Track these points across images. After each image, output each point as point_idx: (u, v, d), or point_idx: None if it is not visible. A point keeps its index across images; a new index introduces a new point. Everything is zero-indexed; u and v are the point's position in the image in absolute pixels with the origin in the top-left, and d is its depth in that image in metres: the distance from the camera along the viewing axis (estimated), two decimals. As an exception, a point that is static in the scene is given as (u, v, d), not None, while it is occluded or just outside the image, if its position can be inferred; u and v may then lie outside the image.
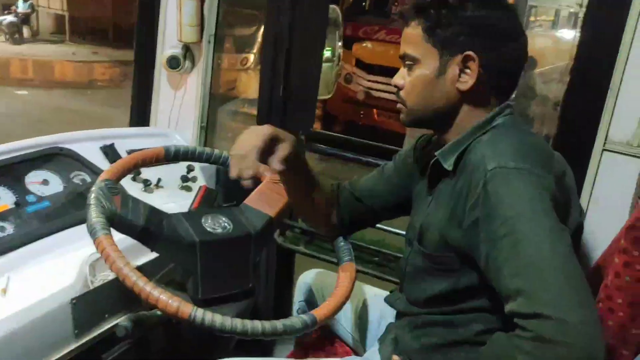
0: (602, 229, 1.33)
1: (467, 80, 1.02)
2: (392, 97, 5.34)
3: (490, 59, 1.01)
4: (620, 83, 1.47)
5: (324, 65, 2.05)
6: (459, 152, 1.03)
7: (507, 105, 1.06)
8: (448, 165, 1.04)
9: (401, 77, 1.08)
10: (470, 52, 1.00)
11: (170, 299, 0.99)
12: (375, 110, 5.62)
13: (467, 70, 1.02)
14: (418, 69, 1.05)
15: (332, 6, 1.96)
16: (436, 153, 1.07)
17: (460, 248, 0.99)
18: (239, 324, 1.03)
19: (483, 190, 0.92)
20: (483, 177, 0.93)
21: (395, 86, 1.09)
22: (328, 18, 1.93)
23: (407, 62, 1.06)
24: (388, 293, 1.41)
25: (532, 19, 5.59)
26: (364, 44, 5.84)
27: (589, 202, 1.53)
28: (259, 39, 2.64)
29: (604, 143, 1.51)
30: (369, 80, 5.63)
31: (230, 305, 1.25)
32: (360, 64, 5.75)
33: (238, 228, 1.29)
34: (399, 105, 1.10)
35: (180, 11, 1.88)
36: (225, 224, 1.29)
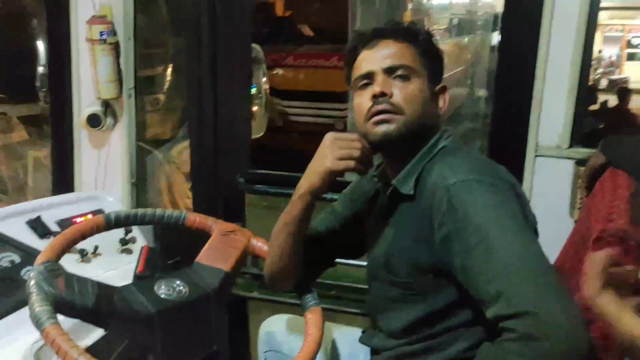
0: (545, 230, 1.38)
1: (443, 107, 1.11)
2: (312, 119, 5.38)
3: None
4: (543, 90, 1.54)
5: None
6: (415, 176, 1.05)
7: (445, 129, 1.12)
8: (408, 190, 1.05)
9: (387, 86, 1.05)
10: (445, 85, 1.12)
11: None
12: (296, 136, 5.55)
13: (442, 98, 1.12)
14: (417, 80, 1.07)
15: (253, 45, 1.94)
16: (393, 182, 1.09)
17: (434, 268, 1.00)
18: None
19: (448, 205, 0.94)
20: (446, 193, 0.95)
21: (381, 94, 1.04)
22: (251, 56, 1.90)
23: (401, 73, 1.06)
24: (352, 327, 1.37)
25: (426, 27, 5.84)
26: (275, 71, 5.83)
27: None
28: (168, 77, 2.57)
29: (535, 149, 1.58)
30: (286, 107, 5.62)
31: None
32: (274, 91, 5.74)
33: (195, 290, 1.22)
34: (388, 115, 1.04)
35: (96, 68, 1.80)
36: (180, 287, 1.22)
